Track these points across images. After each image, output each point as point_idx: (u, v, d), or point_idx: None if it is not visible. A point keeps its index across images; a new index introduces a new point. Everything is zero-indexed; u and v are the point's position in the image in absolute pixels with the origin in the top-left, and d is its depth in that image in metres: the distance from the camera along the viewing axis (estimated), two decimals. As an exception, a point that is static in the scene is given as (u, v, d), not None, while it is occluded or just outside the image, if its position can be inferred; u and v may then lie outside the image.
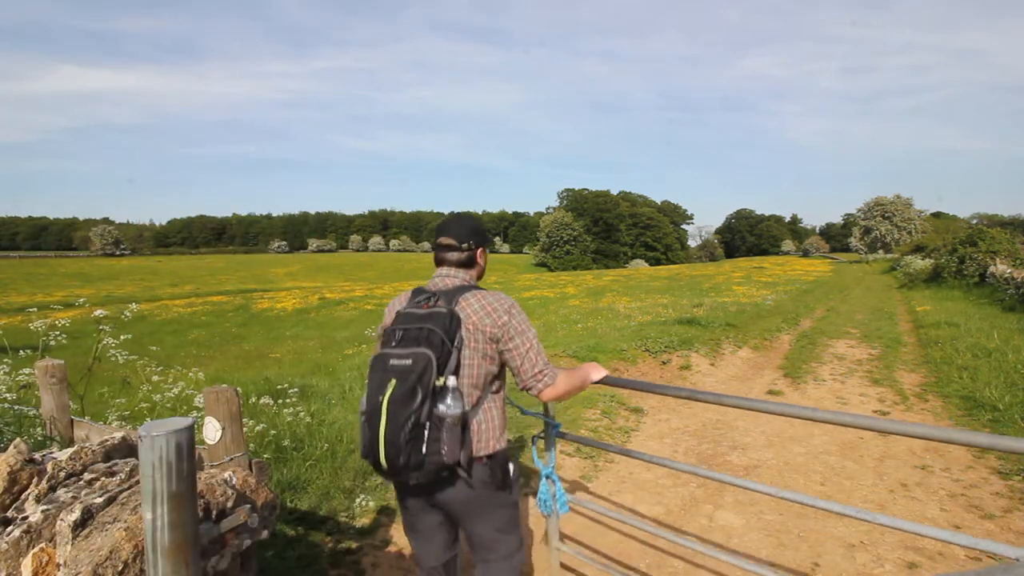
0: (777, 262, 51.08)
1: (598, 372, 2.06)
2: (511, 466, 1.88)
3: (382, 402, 1.63)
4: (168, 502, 1.22)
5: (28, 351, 3.96)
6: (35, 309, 4.92)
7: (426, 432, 1.60)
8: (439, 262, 1.92)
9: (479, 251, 1.93)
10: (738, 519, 3.32)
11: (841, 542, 3.03)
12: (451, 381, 1.65)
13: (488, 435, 1.79)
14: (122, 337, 4.14)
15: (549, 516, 2.37)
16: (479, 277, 1.98)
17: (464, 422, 1.66)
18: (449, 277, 1.87)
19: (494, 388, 1.83)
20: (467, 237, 1.89)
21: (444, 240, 1.90)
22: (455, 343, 1.69)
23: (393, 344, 1.72)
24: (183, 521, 1.25)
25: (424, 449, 1.60)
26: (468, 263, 1.91)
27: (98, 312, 3.93)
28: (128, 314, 4.61)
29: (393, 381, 1.63)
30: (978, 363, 6.70)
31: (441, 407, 1.61)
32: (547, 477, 2.26)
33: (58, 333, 3.99)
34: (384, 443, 1.61)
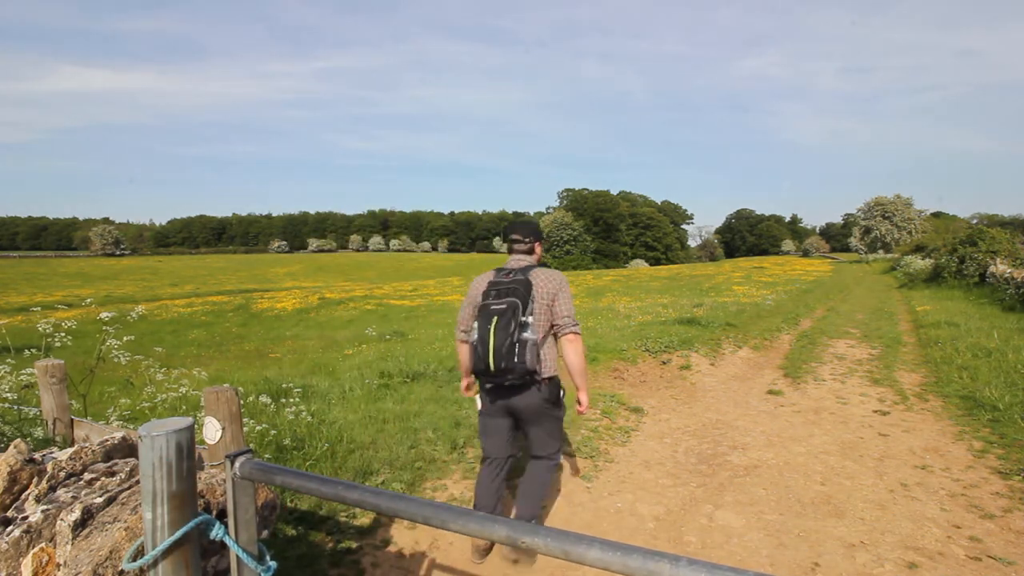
0: (777, 262, 51.03)
1: (585, 397, 2.88)
2: (562, 390, 2.84)
3: (490, 330, 2.54)
4: (168, 502, 1.22)
5: (33, 350, 3.95)
6: (39, 308, 4.91)
7: (516, 348, 2.52)
8: (511, 251, 2.91)
9: (536, 244, 2.92)
10: (738, 519, 3.32)
11: (841, 542, 3.03)
12: (529, 319, 2.60)
13: (550, 363, 2.71)
14: (125, 339, 4.14)
15: None
16: (538, 261, 2.93)
17: (538, 350, 2.60)
18: (522, 260, 2.86)
19: (552, 332, 2.74)
20: (528, 235, 2.89)
21: (516, 237, 2.88)
22: (530, 296, 2.63)
23: (492, 298, 2.65)
24: (183, 521, 1.25)
25: (516, 358, 2.51)
26: (529, 252, 2.90)
27: (104, 315, 3.92)
28: (134, 315, 4.61)
29: (495, 318, 2.56)
30: (978, 363, 6.70)
31: (525, 334, 2.56)
32: None
33: (63, 334, 3.99)
34: (493, 355, 2.51)
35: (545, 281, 2.69)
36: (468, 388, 3.08)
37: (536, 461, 2.88)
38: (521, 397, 2.67)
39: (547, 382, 2.69)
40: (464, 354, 2.87)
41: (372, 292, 28.89)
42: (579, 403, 2.88)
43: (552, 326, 2.71)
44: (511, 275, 2.71)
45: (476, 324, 2.63)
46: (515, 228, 2.89)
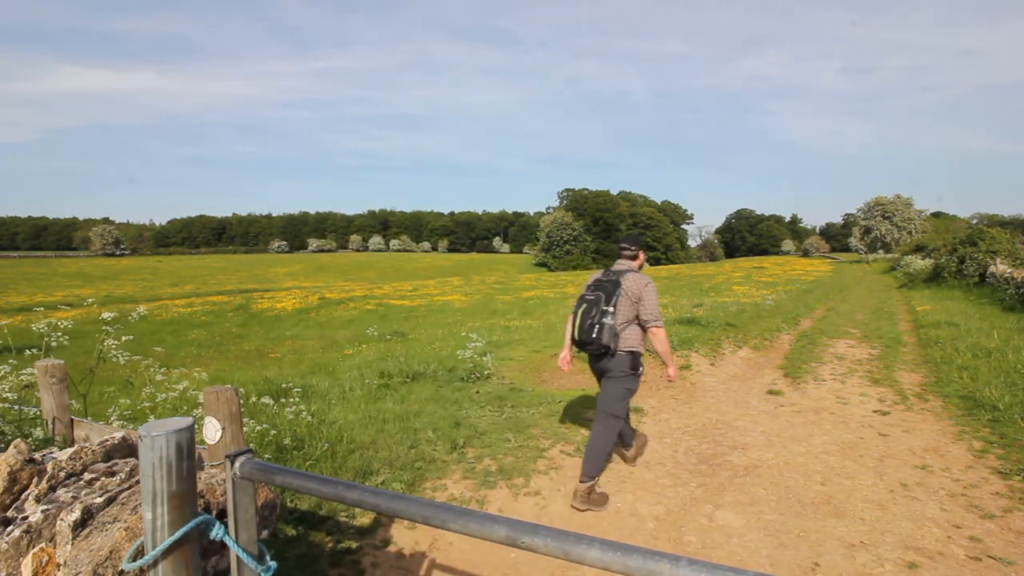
0: (777, 262, 51.05)
1: (672, 369, 3.71)
2: (641, 365, 3.60)
3: (578, 313, 3.52)
4: (168, 502, 1.22)
5: (33, 350, 3.95)
6: (39, 309, 4.91)
7: (596, 329, 3.40)
8: (620, 256, 3.74)
9: (640, 253, 3.76)
10: (738, 519, 3.32)
11: (841, 542, 3.03)
12: (610, 309, 3.43)
13: (631, 340, 3.49)
14: (125, 339, 4.14)
15: None
16: (639, 267, 3.73)
17: (615, 331, 3.41)
18: (623, 265, 3.69)
19: (635, 321, 3.50)
20: (634, 245, 3.75)
21: (624, 245, 3.77)
22: (616, 293, 3.46)
23: (589, 290, 3.57)
24: (183, 521, 1.25)
25: (594, 335, 3.41)
26: (633, 258, 3.72)
27: (105, 315, 3.93)
28: (135, 316, 4.61)
29: (584, 305, 3.51)
30: (978, 363, 6.70)
31: (605, 319, 3.41)
32: None
33: (60, 334, 3.99)
34: (577, 330, 3.50)
35: (632, 283, 3.47)
36: (564, 360, 3.81)
37: (601, 416, 3.57)
38: (603, 362, 3.53)
39: (622, 354, 3.48)
40: (568, 326, 3.73)
41: (372, 292, 28.89)
42: (668, 375, 3.69)
43: (636, 316, 3.48)
44: (609, 275, 3.59)
45: (574, 306, 3.58)
46: (625, 240, 3.79)
